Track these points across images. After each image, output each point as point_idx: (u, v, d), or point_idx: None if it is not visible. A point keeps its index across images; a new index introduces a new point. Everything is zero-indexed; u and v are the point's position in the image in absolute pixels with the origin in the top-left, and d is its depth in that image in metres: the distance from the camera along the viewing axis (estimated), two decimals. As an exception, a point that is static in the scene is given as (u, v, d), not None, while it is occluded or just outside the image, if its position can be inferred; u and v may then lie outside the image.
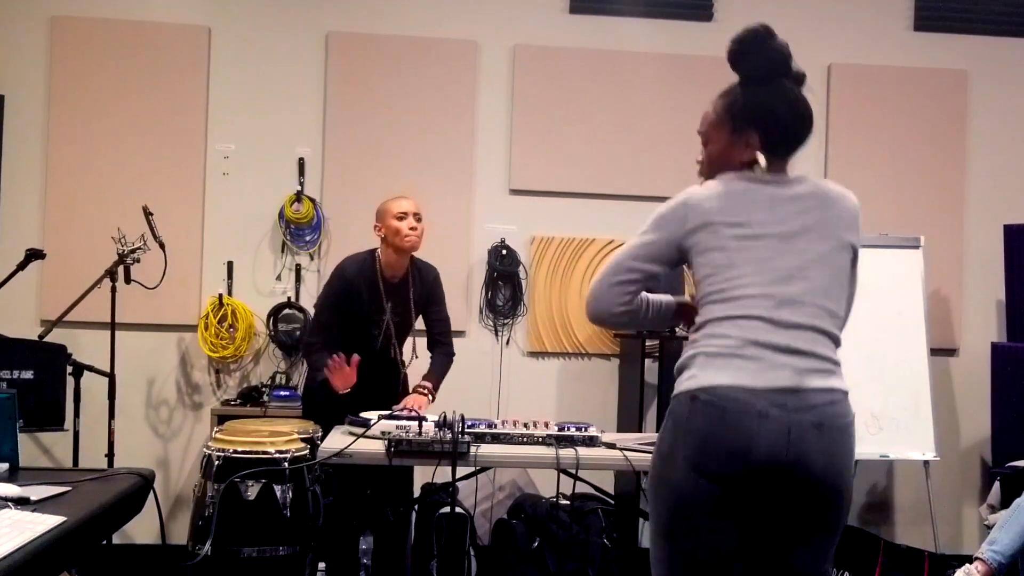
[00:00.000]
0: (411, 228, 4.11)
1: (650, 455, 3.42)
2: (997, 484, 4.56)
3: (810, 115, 2.63)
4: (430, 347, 4.40)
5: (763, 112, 2.58)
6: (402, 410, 3.75)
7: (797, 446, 2.18)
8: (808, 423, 2.20)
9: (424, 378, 4.23)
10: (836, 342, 2.41)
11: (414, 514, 4.16)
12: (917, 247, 5.10)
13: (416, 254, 4.30)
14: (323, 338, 4.20)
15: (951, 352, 5.59)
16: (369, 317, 4.19)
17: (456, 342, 4.50)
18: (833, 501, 2.26)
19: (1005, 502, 4.36)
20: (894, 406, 4.90)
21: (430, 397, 4.12)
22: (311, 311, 5.12)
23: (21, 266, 4.41)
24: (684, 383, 2.30)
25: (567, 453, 3.38)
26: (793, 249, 2.43)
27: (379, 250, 4.23)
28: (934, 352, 5.16)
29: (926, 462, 4.94)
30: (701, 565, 2.23)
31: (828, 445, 2.22)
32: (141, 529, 5.02)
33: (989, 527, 4.23)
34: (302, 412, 4.43)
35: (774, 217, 2.44)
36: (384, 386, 4.21)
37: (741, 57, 2.67)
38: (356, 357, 3.95)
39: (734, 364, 2.24)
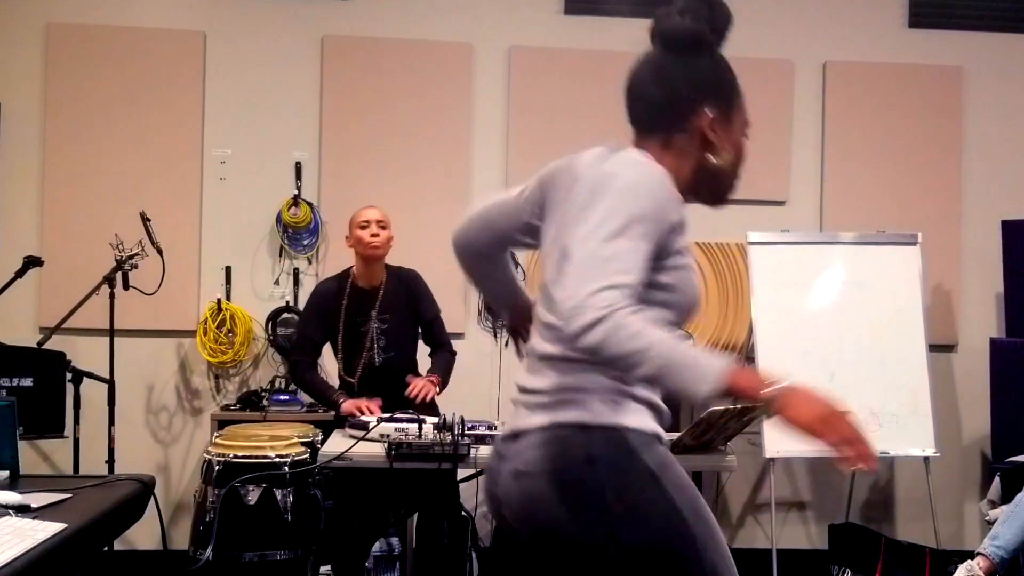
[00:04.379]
0: (372, 235, 4.18)
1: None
2: (997, 479, 4.56)
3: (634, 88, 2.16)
4: (431, 353, 4.42)
5: (712, 82, 2.12)
6: (411, 394, 3.81)
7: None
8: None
9: (428, 372, 4.26)
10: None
11: (415, 517, 4.15)
12: (915, 244, 5.10)
13: (415, 256, 4.32)
14: (307, 355, 4.29)
15: (950, 348, 5.59)
16: (355, 329, 4.24)
17: (455, 344, 4.50)
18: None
19: (1006, 497, 4.36)
20: (893, 403, 4.90)
21: (437, 388, 4.13)
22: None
23: (19, 273, 4.41)
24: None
25: (567, 454, 3.38)
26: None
27: (353, 265, 4.32)
28: (933, 348, 5.16)
29: (926, 458, 4.94)
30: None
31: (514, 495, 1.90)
32: (142, 535, 5.01)
33: (990, 523, 4.23)
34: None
35: None
36: (399, 402, 4.19)
37: (678, 30, 2.14)
38: (379, 401, 3.99)
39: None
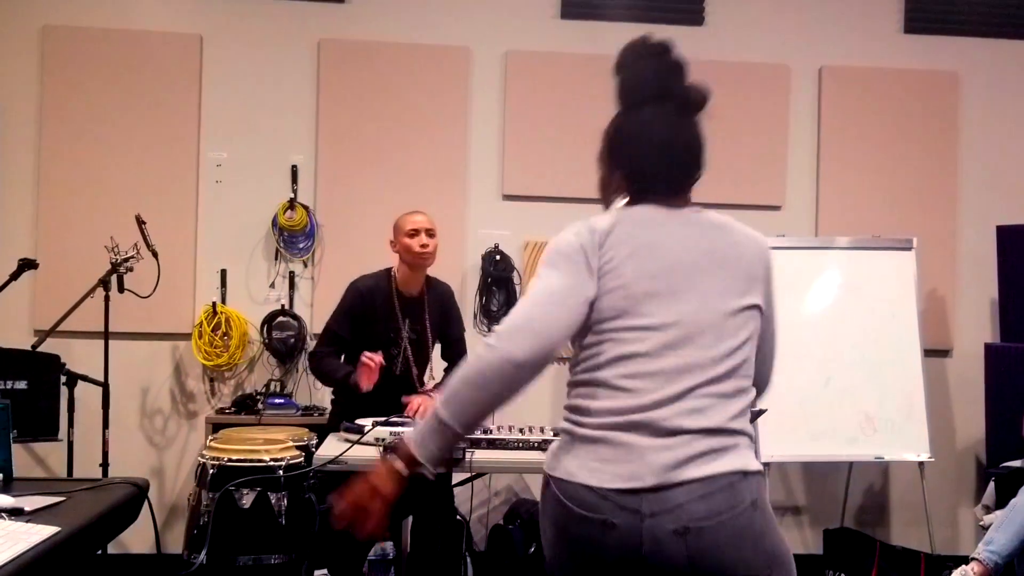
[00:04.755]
0: (422, 245, 4.04)
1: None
2: (992, 484, 4.57)
3: (688, 150, 2.26)
4: (446, 368, 4.33)
5: (623, 148, 2.21)
6: (412, 410, 3.75)
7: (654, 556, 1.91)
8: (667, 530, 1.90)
9: (436, 387, 4.18)
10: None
11: (409, 520, 4.15)
12: (910, 248, 5.11)
13: None
14: (332, 349, 4.15)
15: (945, 353, 5.60)
16: (386, 335, 4.13)
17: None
18: None
19: (1000, 502, 4.36)
20: (888, 407, 4.90)
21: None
22: (305, 318, 5.14)
23: (14, 276, 4.41)
24: None
25: (562, 458, 3.38)
26: None
27: (394, 267, 4.21)
28: (928, 353, 5.17)
29: (921, 463, 4.94)
30: None
31: (695, 550, 1.90)
32: (136, 539, 5.01)
33: (984, 528, 4.23)
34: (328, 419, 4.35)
35: None
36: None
37: (618, 80, 2.27)
38: (379, 358, 3.90)
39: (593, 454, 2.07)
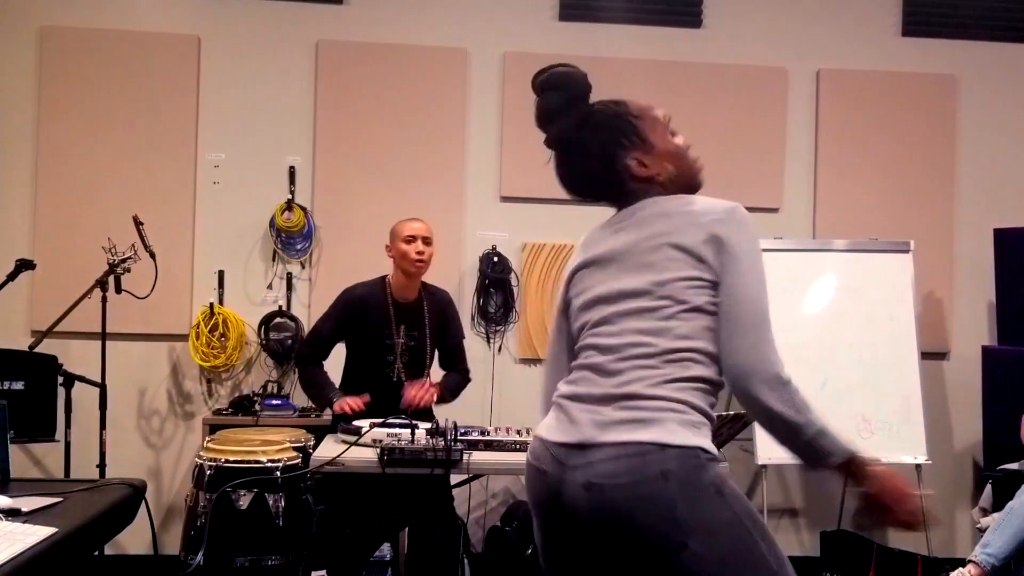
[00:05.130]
0: (418, 252, 4.04)
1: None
2: (989, 487, 4.57)
3: (566, 181, 2.39)
4: (445, 374, 4.33)
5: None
6: (405, 405, 3.76)
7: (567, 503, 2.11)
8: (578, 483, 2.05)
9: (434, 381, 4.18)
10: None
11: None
12: (907, 251, 5.12)
13: None
14: (316, 349, 4.18)
15: (942, 356, 5.60)
16: (381, 341, 4.12)
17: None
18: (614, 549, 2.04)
19: (997, 505, 4.37)
20: (886, 410, 4.91)
21: (435, 394, 4.03)
22: (303, 319, 5.13)
23: (11, 276, 4.40)
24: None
25: (560, 460, 3.38)
26: None
27: (389, 274, 4.20)
28: (925, 356, 5.17)
29: (918, 465, 4.94)
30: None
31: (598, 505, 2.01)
32: (133, 539, 5.00)
33: (981, 530, 4.24)
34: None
35: None
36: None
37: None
38: (366, 397, 3.93)
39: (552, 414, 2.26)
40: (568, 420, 2.12)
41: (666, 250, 2.12)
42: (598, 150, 2.29)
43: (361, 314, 4.12)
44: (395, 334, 4.13)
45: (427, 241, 4.09)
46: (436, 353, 4.32)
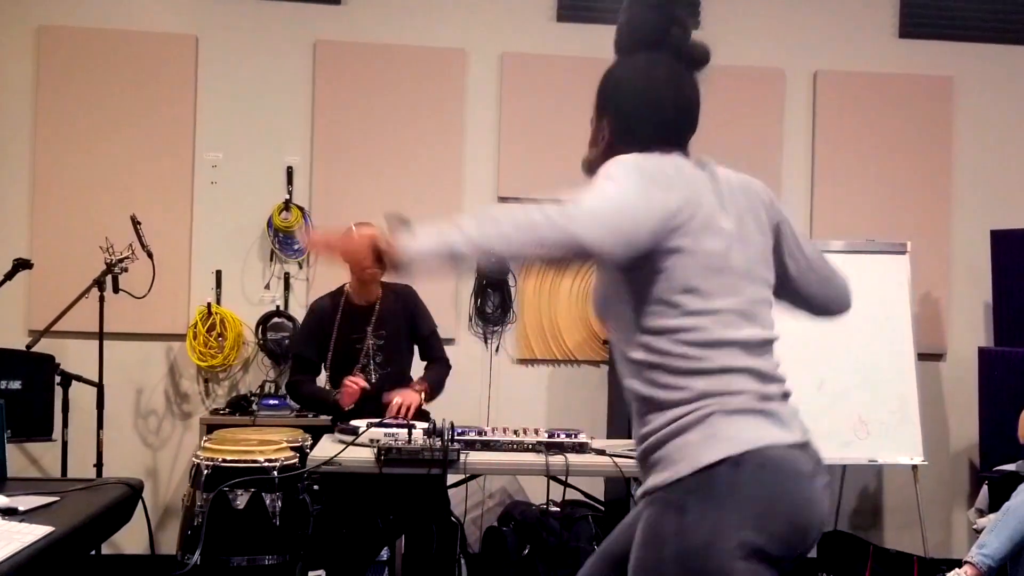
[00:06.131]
0: (368, 269, 4.02)
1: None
2: (985, 488, 4.57)
3: (678, 100, 2.20)
4: (426, 366, 4.37)
5: (614, 92, 2.18)
6: (394, 409, 3.76)
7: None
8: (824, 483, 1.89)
9: (418, 381, 4.20)
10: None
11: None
12: (904, 252, 5.12)
13: None
14: (304, 374, 4.24)
15: (938, 357, 5.61)
16: (350, 346, 4.17)
17: (446, 350, 4.48)
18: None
19: (993, 506, 4.37)
20: (882, 411, 4.91)
21: (422, 396, 4.05)
22: (300, 320, 5.12)
23: (8, 276, 4.40)
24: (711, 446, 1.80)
25: (557, 460, 3.39)
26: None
27: (348, 280, 4.24)
28: (921, 357, 5.18)
29: (914, 466, 4.95)
30: None
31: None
32: (130, 539, 5.00)
33: (978, 531, 4.24)
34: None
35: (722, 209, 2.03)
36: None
37: (619, 23, 2.25)
38: (362, 382, 3.96)
39: (762, 419, 1.87)
40: (781, 420, 1.92)
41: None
42: (700, 91, 2.22)
43: (327, 324, 4.20)
44: (364, 337, 4.16)
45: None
46: (414, 348, 4.36)
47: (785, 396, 1.99)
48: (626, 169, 1.86)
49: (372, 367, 4.16)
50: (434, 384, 4.22)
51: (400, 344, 4.26)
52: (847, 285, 2.31)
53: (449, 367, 4.39)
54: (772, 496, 1.76)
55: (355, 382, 3.94)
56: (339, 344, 4.18)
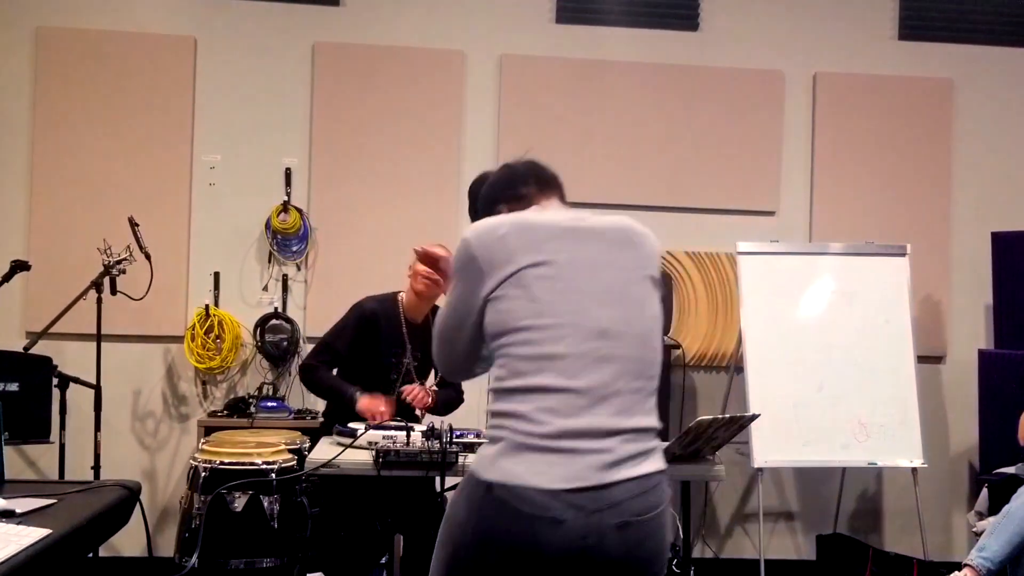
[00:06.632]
0: (426, 275, 3.98)
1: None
2: (985, 491, 4.57)
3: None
4: (439, 385, 4.30)
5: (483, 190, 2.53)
6: (408, 393, 3.74)
7: (595, 548, 2.03)
8: (610, 524, 2.03)
9: (432, 387, 4.16)
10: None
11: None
12: (904, 255, 5.11)
13: (403, 264, 4.24)
14: (325, 361, 4.09)
15: (938, 359, 5.60)
16: (388, 359, 4.08)
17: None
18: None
19: (993, 508, 4.36)
20: (882, 414, 4.90)
21: (431, 399, 4.00)
22: (298, 321, 5.12)
23: (6, 277, 4.39)
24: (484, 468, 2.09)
25: (556, 462, 3.37)
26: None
27: (403, 292, 4.17)
28: (921, 359, 5.17)
29: (914, 469, 4.95)
30: None
31: (634, 542, 2.06)
32: (127, 542, 4.98)
33: (977, 534, 4.24)
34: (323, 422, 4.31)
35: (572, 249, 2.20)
36: None
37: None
38: (392, 400, 3.90)
39: (537, 459, 2.04)
40: (572, 461, 2.04)
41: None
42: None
43: (373, 331, 4.06)
44: (403, 354, 4.09)
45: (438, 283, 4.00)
46: (434, 373, 4.29)
47: (600, 434, 2.08)
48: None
49: (400, 383, 4.09)
50: (444, 402, 4.14)
51: (427, 370, 4.20)
52: None
53: (461, 393, 4.27)
54: (497, 523, 2.04)
55: (379, 413, 3.86)
56: (380, 353, 4.09)
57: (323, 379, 4.07)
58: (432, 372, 4.25)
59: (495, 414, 2.13)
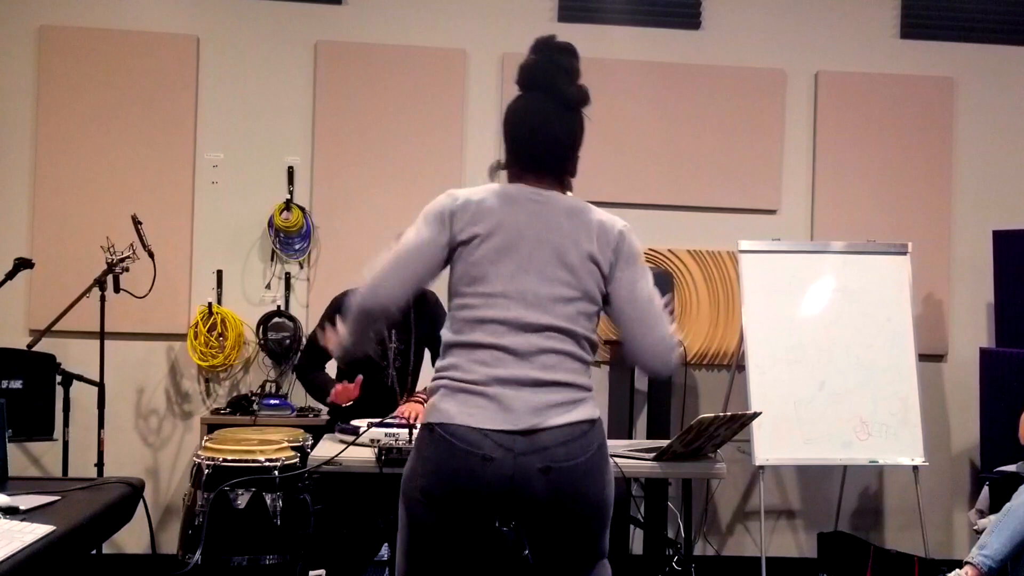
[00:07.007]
0: None
1: (640, 461, 3.43)
2: (986, 489, 4.57)
3: (550, 136, 2.51)
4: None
5: (504, 122, 2.61)
6: (395, 418, 3.74)
7: (522, 489, 2.26)
8: (535, 468, 2.25)
9: (422, 391, 4.17)
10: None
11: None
12: (905, 253, 5.12)
13: None
14: (315, 360, 4.17)
15: (940, 358, 5.61)
16: (374, 349, 4.14)
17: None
18: (569, 520, 2.33)
19: (994, 507, 4.37)
20: (883, 412, 4.91)
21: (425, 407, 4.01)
22: (301, 320, 5.13)
23: (9, 275, 4.41)
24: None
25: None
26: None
27: None
28: (923, 358, 5.18)
29: (915, 467, 4.95)
30: None
31: (559, 486, 2.27)
32: (131, 538, 5.00)
33: (978, 532, 4.24)
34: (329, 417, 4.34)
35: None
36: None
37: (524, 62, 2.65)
38: (359, 377, 3.93)
39: (469, 400, 2.30)
40: (501, 406, 2.27)
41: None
42: (580, 132, 2.55)
43: None
44: (387, 339, 4.13)
45: None
46: (426, 354, 4.31)
47: (526, 383, 2.30)
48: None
49: (391, 371, 4.12)
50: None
51: (419, 351, 4.23)
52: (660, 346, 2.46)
53: None
54: (439, 461, 2.28)
55: (348, 391, 3.89)
56: None
57: (310, 379, 4.13)
58: (419, 356, 4.27)
59: (437, 370, 2.40)
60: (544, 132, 2.50)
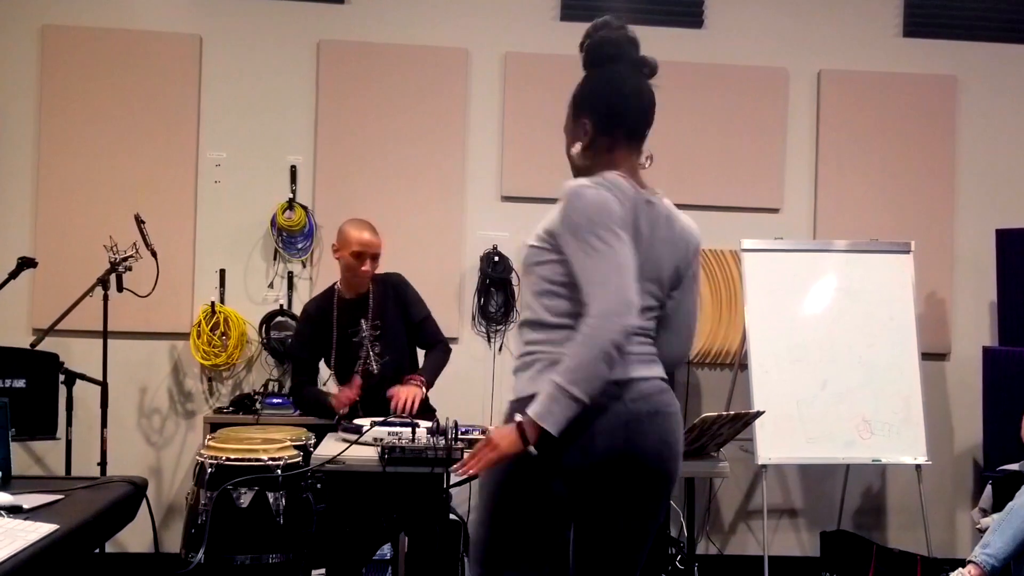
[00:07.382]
0: (363, 271, 4.06)
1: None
2: (989, 487, 4.57)
3: (641, 97, 2.70)
4: (426, 353, 4.35)
5: (591, 95, 2.67)
6: (399, 405, 3.76)
7: None
8: None
9: (415, 374, 4.17)
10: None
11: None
12: (908, 252, 5.12)
13: (410, 260, 4.29)
14: (304, 376, 4.24)
15: (942, 356, 5.60)
16: (348, 340, 4.16)
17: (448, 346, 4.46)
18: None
19: (997, 505, 4.37)
20: (886, 410, 4.91)
21: (423, 389, 4.03)
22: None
23: (13, 274, 4.41)
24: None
25: (560, 459, 3.38)
26: None
27: (337, 280, 4.24)
28: (925, 356, 5.17)
29: (918, 466, 4.95)
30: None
31: None
32: (134, 537, 5.01)
33: (981, 531, 4.24)
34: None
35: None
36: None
37: (584, 47, 2.72)
38: (357, 379, 3.95)
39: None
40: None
41: None
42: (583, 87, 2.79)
43: (322, 323, 4.18)
44: (360, 329, 4.15)
45: (376, 257, 4.12)
46: (410, 334, 4.33)
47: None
48: (590, 227, 2.44)
49: (372, 357, 4.13)
50: (432, 372, 4.19)
51: (397, 331, 4.23)
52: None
53: (448, 350, 4.30)
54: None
55: (343, 392, 3.94)
56: (338, 339, 4.18)
57: (307, 397, 4.21)
58: (405, 334, 4.28)
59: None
60: (639, 99, 2.67)
